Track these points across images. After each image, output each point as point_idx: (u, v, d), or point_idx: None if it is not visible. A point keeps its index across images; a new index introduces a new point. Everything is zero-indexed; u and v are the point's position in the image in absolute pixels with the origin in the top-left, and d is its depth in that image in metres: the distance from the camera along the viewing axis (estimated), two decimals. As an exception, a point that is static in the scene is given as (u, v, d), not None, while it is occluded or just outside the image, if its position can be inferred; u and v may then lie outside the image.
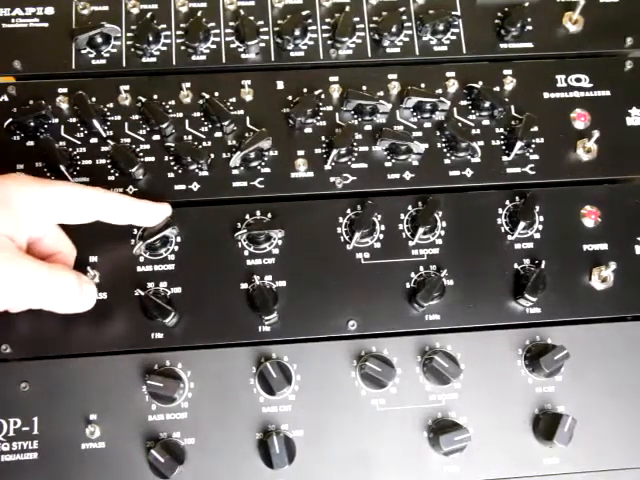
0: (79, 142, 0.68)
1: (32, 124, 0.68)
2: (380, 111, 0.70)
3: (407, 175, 0.70)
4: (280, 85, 0.72)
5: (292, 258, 0.66)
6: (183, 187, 0.68)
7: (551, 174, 0.71)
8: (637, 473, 0.64)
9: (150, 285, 0.65)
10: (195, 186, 0.68)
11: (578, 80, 0.74)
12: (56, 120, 0.69)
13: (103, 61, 0.71)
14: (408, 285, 0.66)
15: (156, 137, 0.69)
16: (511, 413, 0.64)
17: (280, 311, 0.64)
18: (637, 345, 0.66)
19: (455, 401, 0.64)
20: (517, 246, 0.68)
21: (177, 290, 0.65)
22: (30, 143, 0.68)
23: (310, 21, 0.74)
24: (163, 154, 0.69)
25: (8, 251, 0.54)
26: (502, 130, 0.72)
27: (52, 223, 0.61)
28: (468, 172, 0.70)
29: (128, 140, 0.69)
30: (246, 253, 0.66)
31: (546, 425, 0.62)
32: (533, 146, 0.71)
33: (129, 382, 0.62)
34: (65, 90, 0.70)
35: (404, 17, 0.74)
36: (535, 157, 0.71)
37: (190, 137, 0.69)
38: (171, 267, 0.65)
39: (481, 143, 0.71)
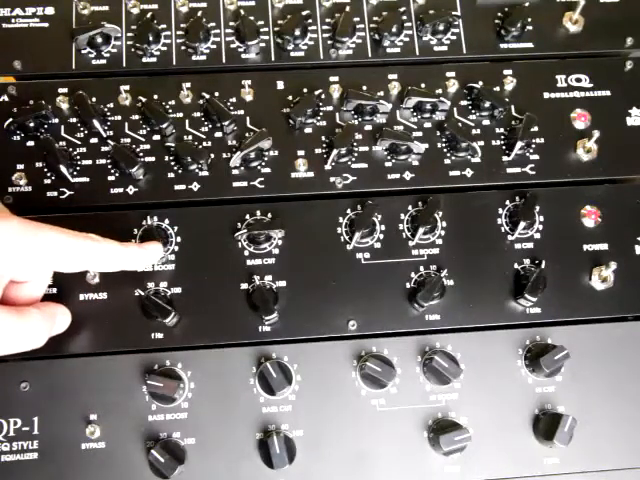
0: (79, 142, 0.68)
1: (32, 124, 0.68)
2: (380, 111, 0.70)
3: (407, 175, 0.70)
4: (280, 85, 0.72)
5: (292, 258, 0.66)
6: (183, 187, 0.68)
7: (551, 174, 0.71)
8: (637, 473, 0.64)
9: (150, 285, 0.65)
10: (195, 186, 0.68)
11: (578, 80, 0.74)
12: (56, 120, 0.69)
13: (103, 61, 0.71)
14: (408, 285, 0.66)
15: (156, 137, 0.69)
16: (511, 413, 0.64)
17: (280, 311, 0.64)
18: (637, 345, 0.66)
19: (455, 401, 0.64)
20: (517, 246, 0.68)
21: (177, 290, 0.65)
22: (30, 143, 0.68)
23: (310, 21, 0.74)
24: (163, 154, 0.69)
25: None
26: (502, 130, 0.72)
27: (37, 270, 0.58)
28: (468, 172, 0.70)
29: (128, 140, 0.69)
30: (246, 253, 0.66)
31: (546, 425, 0.62)
32: (533, 146, 0.71)
33: (129, 382, 0.62)
34: (65, 90, 0.70)
35: (404, 17, 0.74)
36: (535, 157, 0.71)
37: (190, 137, 0.69)
38: (171, 267, 0.65)
39: (481, 143, 0.71)
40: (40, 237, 0.55)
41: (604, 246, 0.68)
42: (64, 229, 0.56)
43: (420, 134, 0.71)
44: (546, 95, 0.73)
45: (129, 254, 0.61)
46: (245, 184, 0.68)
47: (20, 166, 0.67)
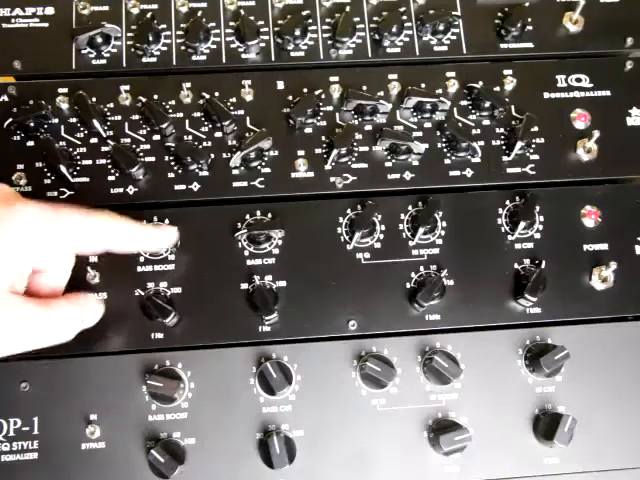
0: (79, 142, 0.68)
1: (32, 124, 0.68)
2: (380, 111, 0.70)
3: (407, 175, 0.69)
4: (280, 85, 0.72)
5: (292, 258, 0.66)
6: (183, 187, 0.68)
7: (551, 174, 0.71)
8: (637, 473, 0.64)
9: (150, 285, 0.65)
10: (195, 186, 0.68)
11: (578, 80, 0.74)
12: (56, 120, 0.69)
13: (103, 61, 0.71)
14: (408, 285, 0.66)
15: (156, 137, 0.69)
16: (511, 413, 0.64)
17: (280, 311, 0.64)
18: (637, 345, 0.66)
19: (455, 401, 0.64)
20: (517, 246, 0.68)
21: (177, 290, 0.65)
22: (30, 143, 0.68)
23: (310, 21, 0.74)
24: (163, 154, 0.69)
25: None
26: (502, 130, 0.72)
27: (59, 255, 0.57)
28: (468, 172, 0.70)
29: (128, 140, 0.69)
30: (246, 253, 0.66)
31: (546, 425, 0.62)
32: (533, 146, 0.71)
33: (129, 382, 0.62)
34: (65, 90, 0.70)
35: (404, 17, 0.74)
36: (535, 157, 0.71)
37: (190, 137, 0.69)
38: (171, 267, 0.65)
39: (481, 143, 0.70)
40: (60, 218, 0.54)
41: (604, 246, 0.68)
42: (80, 207, 0.56)
43: (420, 134, 0.71)
44: (546, 95, 0.73)
45: (146, 232, 0.61)
46: (245, 184, 0.68)
47: (20, 166, 0.67)
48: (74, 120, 0.69)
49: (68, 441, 0.61)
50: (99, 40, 0.71)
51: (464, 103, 0.72)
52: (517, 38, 0.75)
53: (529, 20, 0.75)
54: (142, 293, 0.64)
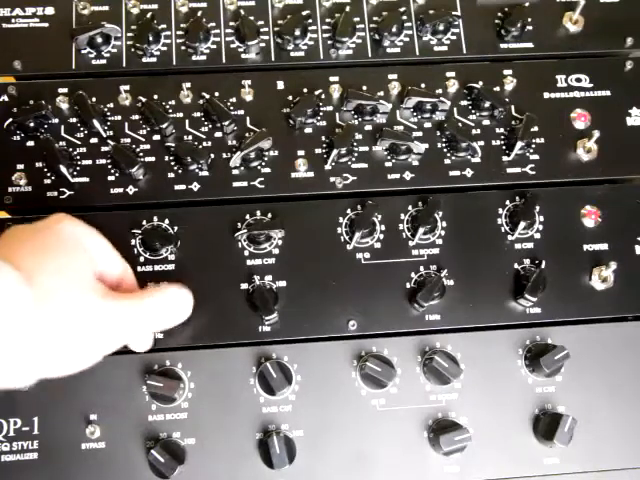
0: (79, 142, 0.68)
1: (32, 124, 0.68)
2: (380, 111, 0.70)
3: (407, 175, 0.69)
4: (280, 85, 0.72)
5: (292, 258, 0.66)
6: (183, 187, 0.68)
7: (551, 174, 0.71)
8: (637, 473, 0.64)
9: (150, 285, 0.65)
10: (195, 186, 0.68)
11: (578, 80, 0.74)
12: (56, 120, 0.69)
13: (103, 61, 0.71)
14: (408, 285, 0.66)
15: (156, 137, 0.69)
16: (511, 413, 0.64)
17: (280, 311, 0.64)
18: (637, 345, 0.66)
19: (455, 401, 0.64)
20: (517, 246, 0.68)
21: (177, 290, 0.65)
22: (30, 143, 0.68)
23: (310, 21, 0.74)
24: (163, 154, 0.69)
25: (100, 292, 0.52)
26: (502, 130, 0.72)
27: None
28: (468, 172, 0.70)
29: (128, 140, 0.69)
30: (246, 253, 0.66)
31: (546, 425, 0.62)
32: (533, 146, 0.71)
33: (129, 382, 0.62)
34: (65, 90, 0.70)
35: (404, 17, 0.74)
36: (535, 157, 0.71)
37: (190, 137, 0.69)
38: (172, 267, 0.65)
39: (481, 143, 0.70)
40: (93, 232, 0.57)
41: (604, 246, 0.68)
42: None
43: (420, 134, 0.71)
44: (546, 95, 0.73)
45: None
46: (245, 184, 0.68)
47: (20, 166, 0.67)
48: (74, 120, 0.69)
49: (68, 441, 0.61)
50: (99, 40, 0.71)
51: (464, 103, 0.72)
52: (517, 38, 0.75)
53: (529, 20, 0.75)
54: (142, 293, 0.64)
